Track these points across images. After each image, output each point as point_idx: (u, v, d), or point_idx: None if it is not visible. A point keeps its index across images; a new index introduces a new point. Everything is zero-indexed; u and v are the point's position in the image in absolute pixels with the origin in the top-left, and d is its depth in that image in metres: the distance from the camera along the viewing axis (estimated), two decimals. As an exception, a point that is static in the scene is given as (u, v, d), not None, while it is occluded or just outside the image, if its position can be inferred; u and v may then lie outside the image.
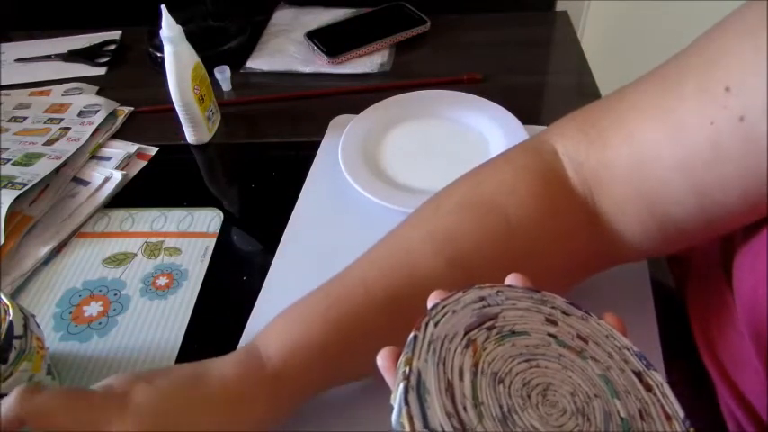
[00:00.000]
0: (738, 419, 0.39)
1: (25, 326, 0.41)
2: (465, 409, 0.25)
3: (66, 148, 0.66)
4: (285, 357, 0.36)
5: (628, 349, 0.30)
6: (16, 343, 0.40)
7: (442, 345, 0.28)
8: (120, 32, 0.89)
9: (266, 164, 0.66)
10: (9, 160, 0.63)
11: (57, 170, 0.63)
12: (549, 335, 0.30)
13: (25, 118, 0.73)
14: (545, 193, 0.39)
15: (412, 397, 0.25)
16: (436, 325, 0.28)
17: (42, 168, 0.61)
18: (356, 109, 0.68)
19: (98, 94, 0.78)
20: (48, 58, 0.85)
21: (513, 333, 0.29)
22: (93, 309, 0.52)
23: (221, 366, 0.36)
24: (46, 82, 0.80)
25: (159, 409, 0.33)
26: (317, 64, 0.79)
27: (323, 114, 0.70)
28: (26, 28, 0.94)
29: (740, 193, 0.32)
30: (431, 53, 0.82)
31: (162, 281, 0.54)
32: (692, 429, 0.27)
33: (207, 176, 0.67)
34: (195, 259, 0.55)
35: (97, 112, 0.72)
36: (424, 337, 0.28)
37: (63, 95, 0.77)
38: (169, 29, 0.60)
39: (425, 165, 0.62)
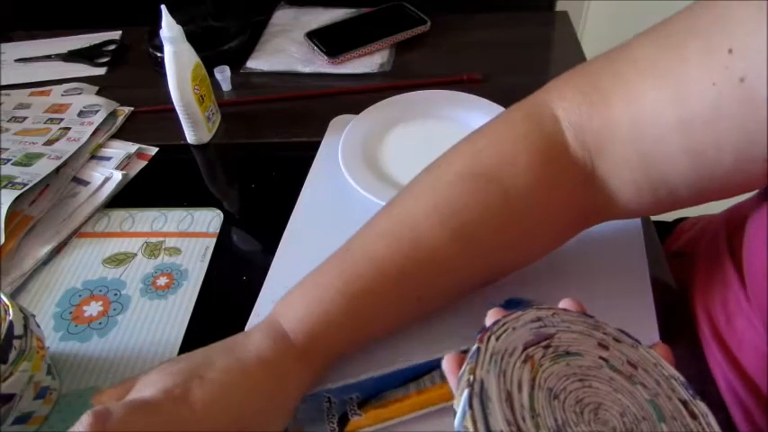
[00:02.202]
0: (741, 397, 0.40)
1: (25, 326, 0.41)
2: (523, 418, 0.27)
3: (66, 148, 0.66)
4: (310, 334, 0.39)
5: (675, 379, 0.32)
6: (16, 343, 0.40)
7: (502, 358, 0.30)
8: (120, 32, 0.89)
9: (266, 164, 0.66)
10: (9, 160, 0.63)
11: (57, 170, 0.63)
12: (601, 358, 0.32)
13: (25, 118, 0.73)
14: (545, 165, 0.39)
15: (476, 403, 0.27)
16: (497, 339, 0.31)
17: (42, 168, 0.61)
18: (356, 109, 0.68)
19: (98, 94, 0.78)
20: (48, 58, 0.85)
21: (568, 353, 0.31)
22: (93, 309, 0.52)
23: (257, 350, 0.39)
24: (46, 82, 0.80)
25: (220, 403, 0.36)
26: (317, 64, 0.79)
27: (323, 114, 0.70)
28: (26, 28, 0.94)
29: (733, 154, 0.32)
30: (431, 53, 0.82)
31: (162, 281, 0.54)
32: None
33: (207, 176, 0.67)
34: (195, 259, 0.55)
35: (97, 112, 0.72)
36: (486, 350, 0.30)
37: (63, 95, 0.77)
38: (169, 29, 0.60)
39: (425, 165, 0.62)
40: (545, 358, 0.31)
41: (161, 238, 0.58)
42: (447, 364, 0.33)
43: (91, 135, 0.68)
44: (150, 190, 0.64)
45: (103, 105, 0.73)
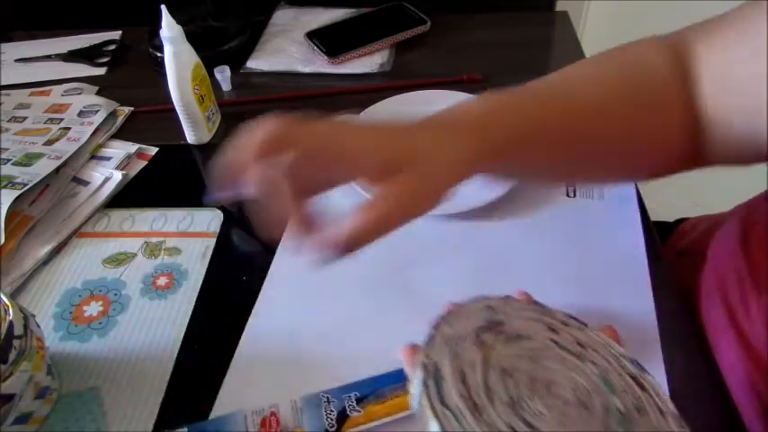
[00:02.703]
0: (759, 390, 0.41)
1: (25, 326, 0.41)
2: (477, 394, 0.28)
3: (66, 148, 0.66)
4: (484, 112, 0.41)
5: (624, 357, 0.33)
6: (16, 343, 0.40)
7: (456, 343, 0.31)
8: (120, 32, 0.89)
9: (266, 164, 0.66)
10: (9, 160, 0.63)
11: (57, 170, 0.63)
12: (552, 340, 0.33)
13: (25, 118, 0.73)
14: (673, 72, 0.42)
15: (430, 382, 0.28)
16: (450, 326, 0.32)
17: (42, 168, 0.61)
18: (356, 109, 0.68)
19: (98, 94, 0.78)
20: (48, 58, 0.85)
21: (519, 337, 0.33)
22: (93, 309, 0.52)
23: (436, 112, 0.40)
24: (46, 82, 0.81)
25: (388, 124, 0.37)
26: (317, 64, 0.79)
27: (323, 114, 0.70)
28: (26, 28, 0.94)
29: None
30: (431, 53, 0.82)
31: (162, 281, 0.54)
32: (685, 427, 0.30)
33: (207, 176, 0.67)
34: (195, 259, 0.55)
35: (97, 112, 0.72)
36: (439, 336, 0.31)
37: (63, 95, 0.77)
38: (169, 29, 0.60)
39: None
40: (497, 341, 0.32)
41: (161, 238, 0.58)
42: (403, 354, 0.34)
43: (91, 135, 0.68)
44: (150, 190, 0.64)
45: (103, 105, 0.73)
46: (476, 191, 0.58)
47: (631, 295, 0.48)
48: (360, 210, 0.34)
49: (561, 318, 0.35)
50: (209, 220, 0.59)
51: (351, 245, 0.34)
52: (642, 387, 0.31)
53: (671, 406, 0.30)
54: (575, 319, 0.35)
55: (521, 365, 0.31)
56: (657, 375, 0.43)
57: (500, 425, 0.27)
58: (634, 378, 0.32)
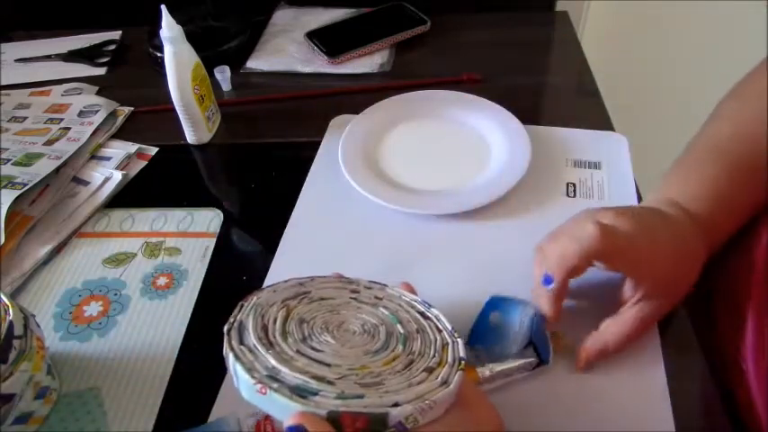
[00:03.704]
0: None
1: (25, 326, 0.41)
2: (274, 336, 0.34)
3: (66, 148, 0.66)
4: (709, 212, 0.46)
5: (415, 301, 0.40)
6: (16, 343, 0.40)
7: (263, 308, 0.36)
8: (120, 32, 0.89)
9: (266, 164, 0.66)
10: (9, 160, 0.63)
11: (57, 170, 0.63)
12: (352, 298, 0.39)
13: (25, 118, 0.73)
14: None
15: (233, 333, 0.34)
16: (259, 298, 0.37)
17: (42, 168, 0.61)
18: (356, 109, 0.68)
19: (98, 94, 0.78)
20: (48, 58, 0.86)
21: (322, 299, 0.38)
22: (93, 309, 0.52)
23: (676, 220, 0.45)
24: (46, 82, 0.80)
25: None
26: (317, 64, 0.79)
27: (323, 114, 0.70)
28: (26, 28, 0.94)
29: None
30: (431, 53, 0.82)
31: (162, 281, 0.54)
32: (458, 336, 0.36)
33: (207, 176, 0.67)
34: (195, 259, 0.55)
35: (97, 112, 0.72)
36: (248, 304, 0.36)
37: (63, 95, 0.77)
38: (169, 29, 0.60)
39: (425, 165, 0.62)
40: (300, 304, 0.37)
41: (161, 238, 0.58)
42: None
43: (91, 135, 0.68)
44: (150, 190, 0.64)
45: (103, 105, 0.73)
46: (476, 191, 0.58)
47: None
48: None
49: (365, 283, 0.41)
50: (209, 220, 0.59)
51: None
52: (425, 316, 0.38)
53: (449, 326, 0.37)
54: (377, 283, 0.41)
55: (318, 315, 0.36)
56: (657, 375, 0.43)
57: (290, 352, 0.32)
58: (421, 313, 0.38)
